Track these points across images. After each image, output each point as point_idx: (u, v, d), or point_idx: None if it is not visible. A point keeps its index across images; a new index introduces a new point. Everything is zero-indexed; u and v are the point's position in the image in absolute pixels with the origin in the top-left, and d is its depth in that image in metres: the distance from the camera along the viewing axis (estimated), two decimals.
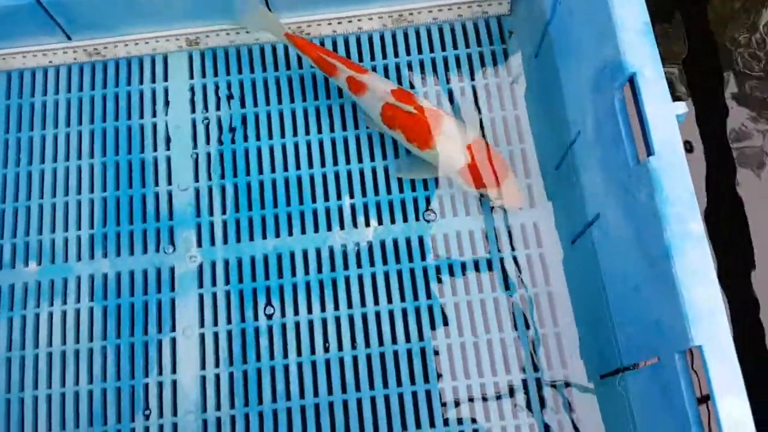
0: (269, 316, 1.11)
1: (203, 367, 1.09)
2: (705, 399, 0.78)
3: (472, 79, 1.22)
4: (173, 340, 1.10)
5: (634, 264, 0.86)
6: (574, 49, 1.01)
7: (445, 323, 1.10)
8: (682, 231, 0.77)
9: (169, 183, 1.18)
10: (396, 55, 1.24)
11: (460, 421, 1.05)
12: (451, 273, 1.12)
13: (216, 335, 1.10)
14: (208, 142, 1.20)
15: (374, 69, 1.23)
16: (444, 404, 1.06)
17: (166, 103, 1.22)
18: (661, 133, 0.80)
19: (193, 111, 1.22)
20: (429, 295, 1.11)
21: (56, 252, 1.14)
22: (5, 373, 1.09)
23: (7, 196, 1.17)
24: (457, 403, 1.06)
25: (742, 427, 0.70)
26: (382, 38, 1.25)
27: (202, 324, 1.11)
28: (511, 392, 1.06)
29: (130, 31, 1.23)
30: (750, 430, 0.70)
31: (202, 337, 1.10)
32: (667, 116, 0.81)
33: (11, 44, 1.22)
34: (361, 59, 1.24)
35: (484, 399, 1.06)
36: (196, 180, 1.18)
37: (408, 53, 1.24)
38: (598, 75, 0.91)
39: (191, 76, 1.24)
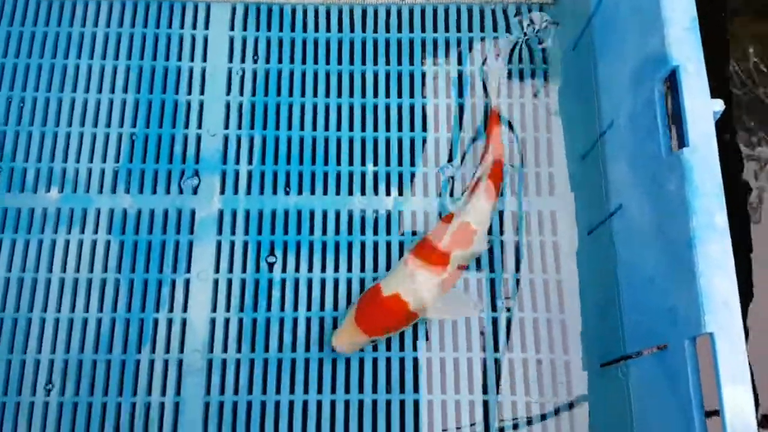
0: (284, 269, 1.13)
1: (214, 310, 1.10)
2: (710, 386, 0.80)
3: (510, 62, 1.23)
4: (187, 282, 1.11)
5: (653, 253, 0.88)
6: (616, 41, 1.03)
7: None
8: (708, 223, 0.79)
9: (199, 127, 1.19)
10: (435, 30, 1.25)
11: (457, 390, 1.07)
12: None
13: (230, 281, 1.12)
14: (241, 92, 1.21)
15: (411, 43, 1.25)
16: (456, 373, 1.08)
17: (205, 50, 1.23)
18: (698, 126, 0.83)
19: (230, 61, 1.23)
20: None
21: (79, 182, 1.15)
22: (16, 293, 1.09)
23: (35, 120, 1.18)
24: (456, 375, 1.08)
25: (744, 415, 0.73)
26: (422, 12, 1.26)
27: (217, 269, 1.12)
28: (511, 370, 1.09)
29: None
30: (751, 418, 0.73)
31: (216, 282, 1.12)
32: (705, 111, 0.83)
33: None
34: (400, 30, 1.25)
35: (484, 373, 1.08)
36: (226, 127, 1.19)
37: (446, 30, 1.25)
38: (639, 67, 0.93)
39: (231, 28, 1.25)
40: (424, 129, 1.20)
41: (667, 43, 0.86)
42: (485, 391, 1.07)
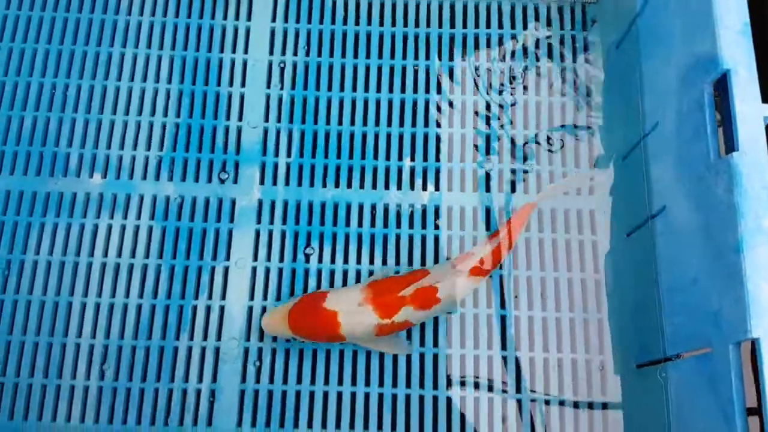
0: (320, 260, 1.14)
1: (252, 298, 1.12)
2: (753, 391, 0.80)
3: (549, 60, 1.23)
4: (226, 269, 1.13)
5: (697, 256, 0.88)
6: (663, 41, 1.02)
7: (474, 292, 1.12)
8: (756, 226, 0.79)
9: (240, 119, 1.20)
10: (476, 25, 1.25)
11: (491, 388, 1.08)
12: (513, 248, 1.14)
13: (267, 270, 1.13)
14: (282, 85, 1.22)
15: (451, 39, 1.25)
16: (490, 369, 1.09)
17: (246, 42, 1.24)
18: (748, 131, 0.82)
19: (272, 53, 1.24)
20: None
21: (122, 168, 1.17)
22: (57, 277, 1.11)
23: (80, 107, 1.19)
24: (490, 373, 1.09)
25: None
26: (464, 8, 1.26)
27: (255, 258, 1.14)
28: (546, 369, 1.09)
29: None
30: None
31: (254, 270, 1.13)
32: (756, 116, 0.82)
33: None
34: (440, 26, 1.25)
35: (518, 371, 1.09)
36: (266, 120, 1.20)
37: (488, 26, 1.25)
38: (687, 69, 0.93)
39: (273, 19, 1.25)
40: (463, 125, 1.20)
41: (719, 47, 0.85)
42: (519, 389, 1.08)
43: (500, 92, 1.22)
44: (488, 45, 1.24)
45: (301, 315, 1.04)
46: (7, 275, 1.11)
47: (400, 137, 1.20)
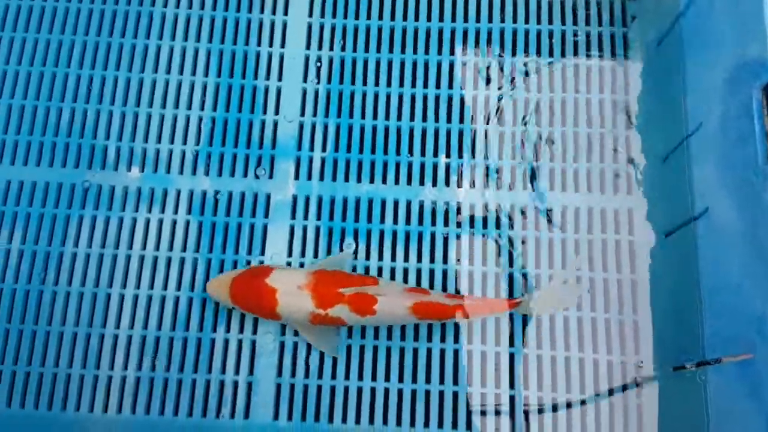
0: (354, 256, 1.14)
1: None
2: None
3: (588, 57, 1.22)
4: (261, 264, 1.13)
5: (742, 259, 0.87)
6: (708, 42, 1.00)
7: (506, 292, 1.12)
8: None
9: (276, 113, 1.20)
10: (515, 21, 1.24)
11: (526, 386, 1.08)
12: (537, 246, 1.14)
13: (302, 265, 1.13)
14: (318, 80, 1.22)
15: (489, 33, 1.24)
16: (525, 370, 1.09)
17: (283, 36, 1.24)
18: None
19: (308, 48, 1.23)
20: (511, 263, 1.13)
21: (159, 162, 1.17)
22: (96, 269, 1.13)
23: (116, 99, 1.20)
24: (525, 374, 1.09)
25: None
26: (502, 3, 1.25)
27: (290, 253, 1.14)
28: (581, 368, 1.09)
29: None
30: None
31: (289, 265, 1.13)
32: None
33: None
34: (478, 20, 1.24)
35: (553, 371, 1.09)
36: (302, 114, 1.20)
37: (527, 21, 1.24)
38: (735, 72, 0.91)
39: (310, 14, 1.25)
40: (501, 122, 1.20)
41: None
42: (554, 389, 1.08)
43: (539, 89, 1.21)
44: (526, 41, 1.23)
45: (242, 286, 1.05)
46: (46, 267, 1.12)
47: (436, 133, 1.20)
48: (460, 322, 1.09)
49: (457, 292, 1.12)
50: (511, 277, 1.12)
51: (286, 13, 1.25)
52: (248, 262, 1.13)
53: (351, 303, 1.03)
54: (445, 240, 1.15)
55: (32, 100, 1.19)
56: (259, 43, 1.23)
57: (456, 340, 1.10)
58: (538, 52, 1.22)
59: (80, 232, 1.14)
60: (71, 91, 1.20)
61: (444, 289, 1.12)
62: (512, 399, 1.07)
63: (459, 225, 1.15)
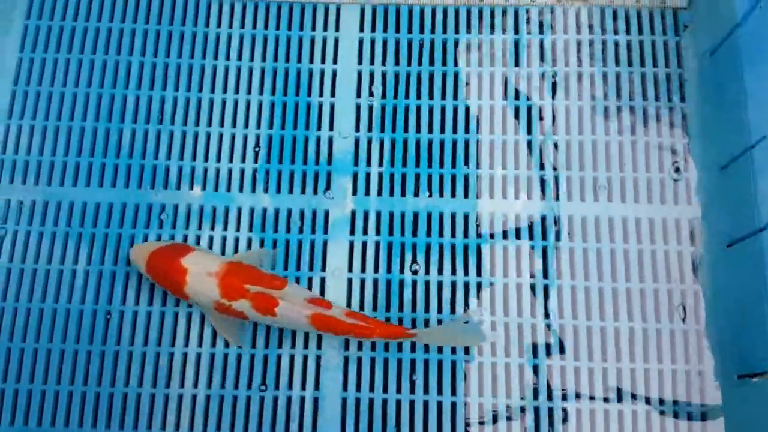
0: (414, 272, 1.15)
1: (348, 307, 1.13)
2: None
3: (642, 66, 1.22)
4: (322, 280, 1.15)
5: None
6: None
7: (573, 304, 1.13)
8: None
9: (331, 129, 1.21)
10: (566, 31, 1.24)
11: (592, 398, 1.09)
12: (599, 258, 1.14)
13: (363, 281, 1.15)
14: (371, 94, 1.23)
15: (541, 44, 1.24)
16: (590, 381, 1.09)
17: (335, 52, 1.25)
18: None
19: (360, 63, 1.24)
20: (573, 276, 1.14)
21: (220, 180, 1.19)
22: (162, 287, 1.15)
23: (176, 119, 1.22)
24: (590, 381, 1.10)
25: None
26: (552, 12, 1.25)
27: (350, 268, 1.15)
28: (647, 380, 1.09)
29: None
30: None
31: (350, 281, 1.15)
32: None
33: None
34: (529, 32, 1.25)
35: (619, 381, 1.09)
36: (357, 130, 1.22)
37: (578, 31, 1.24)
38: None
39: (361, 29, 1.26)
40: (554, 132, 1.20)
41: None
42: (620, 399, 1.08)
43: (593, 98, 1.21)
44: (579, 50, 1.23)
45: (158, 260, 1.08)
46: (112, 286, 1.14)
47: (491, 144, 1.20)
48: (364, 341, 1.10)
49: (519, 305, 1.13)
50: (573, 289, 1.13)
51: (337, 29, 1.26)
52: (310, 279, 1.15)
53: (254, 300, 1.05)
54: (505, 252, 1.16)
55: (92, 122, 1.21)
56: (311, 60, 1.25)
57: (534, 354, 1.10)
58: (592, 62, 1.23)
59: None
60: (130, 111, 1.22)
61: (505, 303, 1.13)
62: (579, 411, 1.08)
63: (518, 237, 1.16)
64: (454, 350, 1.11)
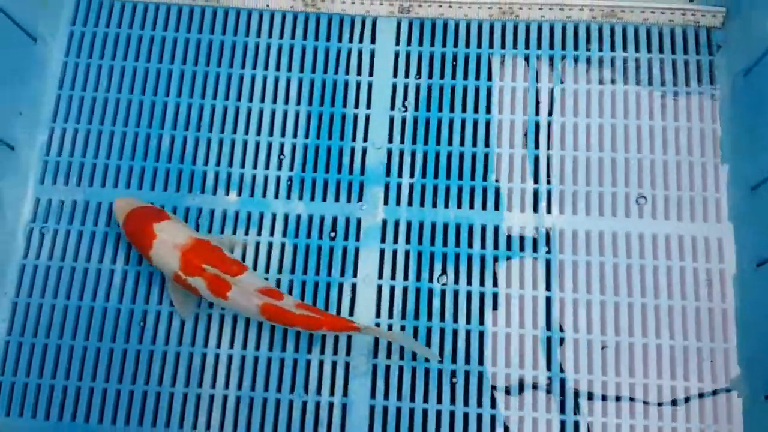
0: (443, 282, 1.16)
1: (378, 315, 1.15)
2: None
3: (674, 85, 1.23)
4: (353, 286, 1.17)
5: None
6: None
7: (599, 319, 1.13)
8: None
9: (365, 140, 1.24)
10: (600, 48, 1.26)
11: (618, 416, 1.09)
12: (629, 273, 1.15)
13: (392, 289, 1.16)
14: (404, 107, 1.25)
15: (576, 60, 1.25)
16: (618, 398, 1.10)
17: (371, 64, 1.27)
18: None
19: (395, 75, 1.27)
20: (603, 291, 1.14)
21: (256, 187, 1.22)
22: None
23: (214, 127, 1.25)
24: (617, 398, 1.10)
25: None
26: (587, 30, 1.27)
27: (380, 275, 1.17)
28: (674, 398, 1.09)
29: None
30: None
31: (380, 288, 1.16)
32: None
33: None
34: (564, 47, 1.26)
35: (645, 402, 1.09)
36: (390, 141, 1.24)
37: (612, 49, 1.25)
38: None
39: (397, 42, 1.28)
40: (588, 148, 1.21)
41: None
42: (646, 416, 1.08)
43: (625, 116, 1.22)
44: (612, 67, 1.24)
45: (134, 219, 1.13)
46: (149, 287, 1.17)
47: (523, 158, 1.22)
48: (315, 333, 1.11)
49: (547, 317, 1.13)
50: (603, 304, 1.14)
51: (373, 41, 1.29)
52: (341, 285, 1.17)
53: (208, 281, 1.07)
54: (534, 265, 1.17)
55: (133, 127, 1.25)
56: (347, 72, 1.27)
57: (561, 369, 1.11)
58: (625, 79, 1.24)
59: None
60: (170, 117, 1.25)
61: (534, 316, 1.14)
62: (604, 426, 1.08)
63: (548, 251, 1.17)
64: (481, 361, 1.12)
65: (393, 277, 1.17)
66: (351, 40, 1.29)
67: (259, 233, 1.19)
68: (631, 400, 1.09)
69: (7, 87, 1.19)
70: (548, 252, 1.17)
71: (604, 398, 1.10)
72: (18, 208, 1.21)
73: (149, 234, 1.10)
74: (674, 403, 1.09)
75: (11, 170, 1.20)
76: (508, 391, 1.11)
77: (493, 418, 1.10)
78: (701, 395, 1.09)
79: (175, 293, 1.14)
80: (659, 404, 1.09)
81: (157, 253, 1.09)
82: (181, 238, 1.10)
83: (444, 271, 1.17)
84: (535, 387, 1.11)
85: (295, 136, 1.24)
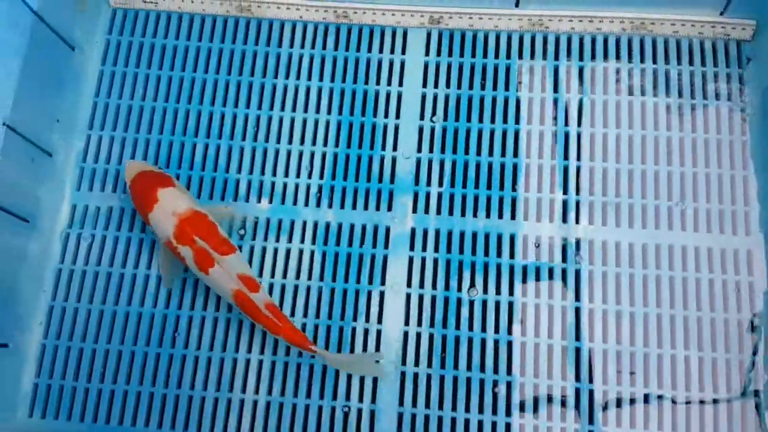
0: (473, 295, 1.17)
1: (407, 323, 1.16)
2: None
3: (704, 98, 1.23)
4: (382, 294, 1.18)
5: None
6: None
7: (630, 330, 1.14)
8: None
9: (395, 149, 1.25)
10: (630, 60, 1.26)
11: (646, 425, 1.09)
12: (658, 285, 1.15)
13: (421, 297, 1.17)
14: (434, 117, 1.27)
15: (605, 72, 1.26)
16: (645, 409, 1.10)
17: (401, 75, 1.29)
18: None
19: (425, 86, 1.28)
20: (632, 302, 1.15)
21: (287, 194, 1.23)
22: None
23: (247, 135, 1.27)
24: (645, 410, 1.10)
25: None
26: (617, 42, 1.27)
27: (409, 284, 1.18)
28: (702, 410, 1.09)
29: (380, 0, 1.30)
30: None
31: (408, 296, 1.18)
32: None
33: None
34: (593, 59, 1.27)
35: (674, 413, 1.09)
36: (419, 150, 1.25)
37: (642, 61, 1.26)
38: None
39: (427, 53, 1.30)
40: (617, 159, 1.21)
41: None
42: (674, 427, 1.08)
43: (656, 127, 1.22)
44: (642, 79, 1.25)
45: (140, 181, 1.16)
46: (182, 292, 1.19)
47: (552, 169, 1.22)
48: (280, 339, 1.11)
49: (577, 328, 1.14)
50: (632, 315, 1.14)
51: (404, 52, 1.30)
52: (369, 293, 1.18)
53: (196, 253, 1.10)
54: (563, 275, 1.17)
55: (168, 135, 1.27)
56: (378, 82, 1.29)
57: (594, 379, 1.12)
58: (655, 92, 1.24)
59: None
60: (204, 126, 1.27)
61: (563, 326, 1.14)
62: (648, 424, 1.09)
63: (578, 261, 1.17)
64: (509, 371, 1.13)
65: (422, 286, 1.18)
66: (381, 51, 1.31)
67: (289, 240, 1.21)
68: (659, 411, 1.10)
69: (45, 95, 1.22)
70: (577, 263, 1.18)
71: (632, 409, 1.10)
72: (55, 213, 1.23)
73: (152, 198, 1.13)
74: (702, 414, 1.09)
75: (49, 176, 1.23)
76: (536, 402, 1.11)
77: (521, 427, 1.10)
78: (729, 407, 1.09)
79: (163, 258, 1.17)
80: (687, 416, 1.09)
81: (156, 217, 1.13)
82: (181, 207, 1.13)
83: (473, 282, 1.18)
84: (563, 397, 1.11)
85: (325, 144, 1.26)
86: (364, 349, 1.15)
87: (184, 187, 1.21)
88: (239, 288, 1.09)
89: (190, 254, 1.11)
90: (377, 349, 1.15)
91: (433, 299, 1.17)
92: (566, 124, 1.24)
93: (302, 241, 1.21)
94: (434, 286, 1.18)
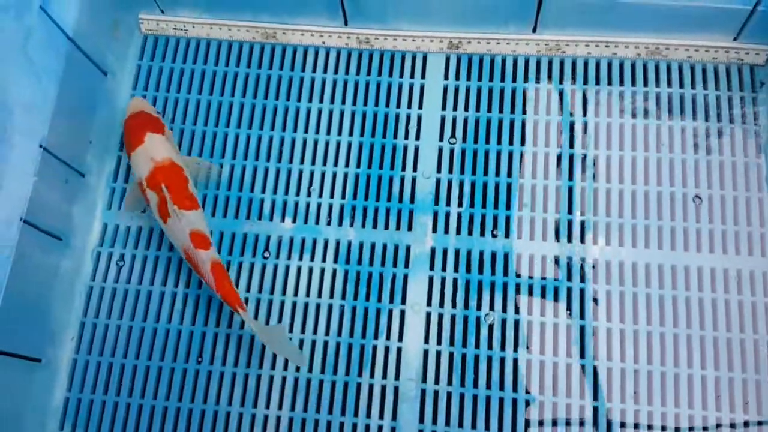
0: (490, 321, 1.19)
1: (426, 341, 1.19)
2: None
3: (719, 121, 1.25)
4: (402, 312, 1.20)
5: None
6: None
7: (645, 349, 1.15)
8: None
9: (415, 170, 1.28)
10: (645, 84, 1.29)
11: None
12: (674, 306, 1.17)
13: (441, 316, 1.20)
14: (453, 138, 1.30)
15: (621, 95, 1.29)
16: (663, 429, 1.12)
17: (421, 98, 1.33)
18: None
19: (444, 108, 1.32)
20: (650, 322, 1.16)
21: (309, 214, 1.27)
22: (252, 310, 1.22)
23: (271, 157, 1.31)
24: (663, 429, 1.11)
25: None
26: (633, 66, 1.30)
27: (429, 303, 1.21)
28: (717, 429, 1.10)
29: (401, 26, 1.34)
30: None
31: (428, 315, 1.20)
32: None
33: (296, 21, 1.35)
34: (610, 83, 1.30)
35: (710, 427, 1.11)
36: (438, 171, 1.28)
37: (657, 85, 1.29)
38: None
39: (446, 77, 1.34)
40: (633, 181, 1.24)
41: None
42: None
43: (671, 150, 1.25)
44: (658, 104, 1.28)
45: (134, 121, 1.26)
46: (207, 309, 1.23)
47: (569, 190, 1.25)
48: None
49: (595, 347, 1.16)
50: (649, 335, 1.16)
51: (423, 76, 1.34)
52: (390, 311, 1.21)
53: (159, 201, 1.18)
54: (581, 295, 1.19)
55: (196, 155, 1.31)
56: (398, 105, 1.33)
57: (623, 400, 1.13)
58: (670, 116, 1.27)
59: (239, 278, 1.24)
60: (230, 147, 1.32)
61: (581, 346, 1.16)
62: None
63: (595, 281, 1.19)
64: (528, 389, 1.14)
65: (441, 305, 1.21)
66: (402, 75, 1.35)
67: (312, 258, 1.24)
68: (677, 430, 1.11)
69: (79, 118, 1.27)
70: (595, 282, 1.20)
71: (650, 428, 1.11)
72: (87, 232, 1.28)
73: (139, 139, 1.22)
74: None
75: (81, 196, 1.27)
76: (554, 421, 1.13)
77: None
78: (751, 427, 1.10)
79: (131, 194, 1.26)
80: None
81: (136, 157, 1.21)
82: (159, 155, 1.20)
83: (492, 302, 1.20)
84: (581, 416, 1.13)
85: (347, 165, 1.30)
86: (385, 366, 1.18)
87: (173, 138, 1.29)
88: (188, 245, 1.15)
89: (155, 201, 1.18)
90: (397, 366, 1.17)
91: (453, 318, 1.20)
92: (583, 146, 1.27)
93: (324, 259, 1.24)
94: (453, 305, 1.21)
